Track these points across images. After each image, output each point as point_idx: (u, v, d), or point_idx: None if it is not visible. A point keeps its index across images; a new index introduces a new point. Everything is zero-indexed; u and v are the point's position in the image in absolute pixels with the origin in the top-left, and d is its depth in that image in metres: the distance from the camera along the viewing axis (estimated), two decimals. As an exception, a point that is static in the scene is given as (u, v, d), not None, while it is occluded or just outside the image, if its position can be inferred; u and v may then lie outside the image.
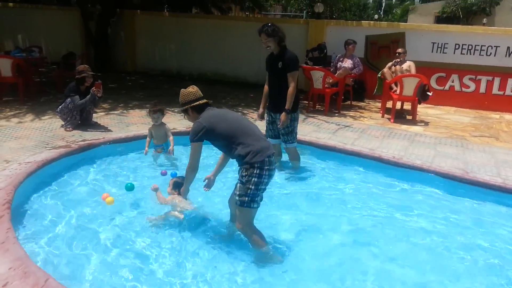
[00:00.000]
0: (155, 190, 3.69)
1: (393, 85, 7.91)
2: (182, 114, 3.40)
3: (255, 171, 2.97)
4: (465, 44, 8.90)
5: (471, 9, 24.39)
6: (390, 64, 8.10)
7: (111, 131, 5.94)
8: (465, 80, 9.03)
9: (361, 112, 8.34)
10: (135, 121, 6.57)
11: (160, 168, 4.78)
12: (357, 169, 5.13)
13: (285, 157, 5.10)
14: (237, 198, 3.08)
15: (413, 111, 7.74)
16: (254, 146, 3.01)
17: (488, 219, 4.02)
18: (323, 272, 3.06)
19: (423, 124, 7.50)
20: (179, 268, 3.02)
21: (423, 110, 8.57)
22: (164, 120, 5.22)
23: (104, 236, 3.37)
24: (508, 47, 8.64)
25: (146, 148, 4.98)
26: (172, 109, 6.75)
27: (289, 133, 4.72)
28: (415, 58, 8.36)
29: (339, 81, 8.13)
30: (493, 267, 3.25)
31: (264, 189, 3.12)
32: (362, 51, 9.53)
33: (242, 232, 3.15)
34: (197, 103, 3.25)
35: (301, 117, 7.34)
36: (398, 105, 8.08)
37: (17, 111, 6.87)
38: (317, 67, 8.38)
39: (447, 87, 9.20)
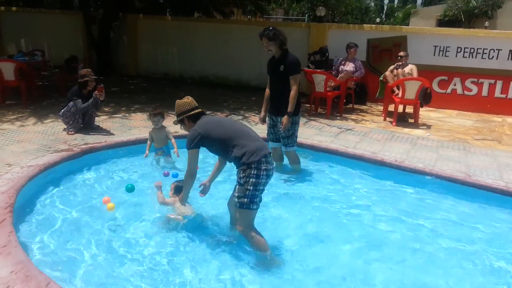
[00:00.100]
0: (158, 187, 3.71)
1: (395, 88, 7.91)
2: (179, 124, 3.49)
3: (252, 172, 3.00)
4: (467, 48, 8.89)
5: (473, 13, 24.37)
6: (392, 67, 8.10)
7: (113, 134, 5.95)
8: (467, 83, 9.02)
9: (363, 116, 8.33)
10: (137, 125, 6.58)
11: (162, 171, 4.79)
12: (359, 173, 5.11)
13: (286, 160, 5.09)
14: (236, 200, 3.10)
15: (415, 114, 7.73)
16: (249, 146, 3.04)
17: (490, 222, 4.00)
18: (324, 277, 3.04)
19: (425, 127, 7.48)
20: (180, 271, 3.01)
21: (425, 113, 8.56)
22: (165, 123, 5.23)
23: (107, 239, 3.37)
24: (510, 50, 8.61)
25: (147, 152, 5.03)
26: (174, 113, 6.75)
27: (290, 136, 4.71)
28: (417, 62, 8.36)
29: (341, 84, 8.13)
30: (495, 270, 3.23)
31: (263, 190, 3.13)
32: (364, 54, 9.53)
33: (243, 234, 3.15)
34: (192, 112, 3.33)
35: (303, 120, 7.36)
36: (400, 108, 8.08)
37: (19, 115, 6.89)
38: (319, 70, 8.39)
39: (449, 90, 9.18)
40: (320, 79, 7.87)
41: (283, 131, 4.66)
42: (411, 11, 31.90)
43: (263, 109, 4.92)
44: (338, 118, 7.93)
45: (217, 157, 3.50)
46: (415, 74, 7.85)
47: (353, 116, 8.16)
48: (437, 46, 9.10)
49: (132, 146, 5.41)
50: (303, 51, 9.55)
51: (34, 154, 4.80)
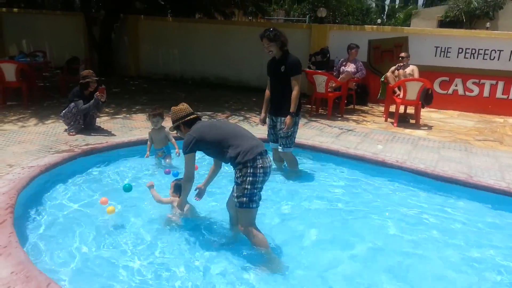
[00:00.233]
0: (151, 187, 3.73)
1: (396, 89, 7.90)
2: (175, 130, 3.53)
3: (248, 170, 3.01)
4: (469, 48, 8.88)
5: (474, 13, 24.32)
6: (393, 68, 8.10)
7: (115, 135, 5.96)
8: (469, 84, 9.00)
9: (364, 116, 8.32)
10: (138, 125, 6.58)
11: (162, 171, 4.79)
12: (360, 174, 5.10)
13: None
14: (235, 200, 3.11)
15: (416, 115, 7.72)
16: (243, 146, 3.06)
17: (492, 223, 3.99)
18: (324, 278, 3.03)
19: (426, 128, 7.47)
20: (180, 271, 3.00)
21: (426, 114, 8.54)
22: (164, 124, 5.23)
23: (108, 240, 3.37)
24: None
25: (147, 153, 5.06)
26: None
27: (288, 136, 4.70)
28: (418, 62, 8.35)
29: (342, 85, 8.12)
30: (497, 271, 3.21)
31: (261, 188, 3.13)
32: (365, 55, 9.52)
33: (244, 233, 3.15)
34: (187, 118, 3.38)
35: (303, 121, 7.36)
36: (401, 109, 8.07)
37: (20, 116, 6.90)
38: (320, 71, 8.39)
39: (450, 91, 9.17)
40: (321, 80, 7.87)
41: (282, 132, 4.65)
42: (412, 12, 31.84)
43: (263, 110, 4.91)
44: (339, 119, 7.92)
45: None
46: (416, 75, 7.84)
47: (354, 117, 8.15)
48: (438, 47, 9.09)
49: (133, 147, 5.41)
50: (304, 52, 9.55)
51: (35, 155, 4.80)
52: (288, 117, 4.54)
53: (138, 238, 3.42)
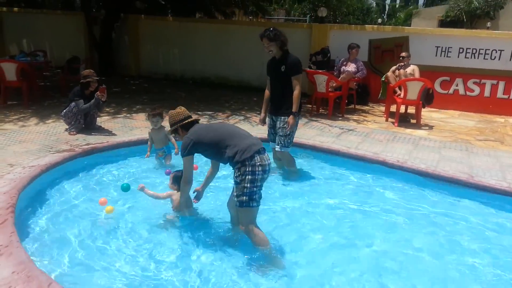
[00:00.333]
0: (142, 189, 3.74)
1: (397, 89, 7.89)
2: (173, 134, 3.56)
3: (247, 169, 3.01)
4: (469, 48, 8.87)
5: (475, 13, 24.27)
6: (394, 68, 8.09)
7: (115, 135, 5.96)
8: (470, 84, 9.00)
9: (364, 116, 8.32)
10: (139, 125, 6.58)
11: (162, 171, 4.79)
12: (360, 173, 5.10)
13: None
14: (235, 199, 3.11)
15: (417, 115, 7.72)
16: (240, 145, 3.07)
17: (493, 224, 3.98)
18: (326, 278, 3.03)
19: (427, 128, 7.47)
20: (180, 271, 3.00)
21: (427, 114, 8.54)
22: (164, 123, 5.22)
23: (108, 239, 3.37)
24: (513, 51, 8.59)
25: (148, 153, 5.07)
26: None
27: (287, 135, 4.69)
28: (419, 62, 8.35)
29: (342, 85, 8.12)
30: (499, 271, 3.21)
31: (261, 186, 3.12)
32: (365, 55, 9.52)
33: (245, 232, 3.15)
34: (185, 121, 3.40)
35: (304, 120, 7.36)
36: (402, 109, 8.07)
37: (21, 115, 6.90)
38: (320, 71, 8.38)
39: (451, 91, 9.17)
40: (321, 80, 7.86)
41: (281, 130, 4.65)
42: (413, 11, 31.81)
43: (262, 110, 4.91)
44: (340, 118, 7.92)
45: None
46: (417, 75, 7.83)
47: (355, 117, 8.15)
48: (439, 46, 9.08)
49: (134, 147, 5.41)
50: (304, 52, 9.54)
51: (36, 155, 4.80)
52: (291, 117, 4.54)
53: (139, 238, 3.42)
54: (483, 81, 8.89)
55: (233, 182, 3.19)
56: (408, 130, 7.16)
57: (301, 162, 5.35)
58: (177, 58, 12.11)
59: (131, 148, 5.40)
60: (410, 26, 25.60)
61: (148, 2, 14.31)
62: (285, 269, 3.05)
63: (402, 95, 7.61)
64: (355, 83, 8.70)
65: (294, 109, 4.52)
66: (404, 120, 7.83)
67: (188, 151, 3.19)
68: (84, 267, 3.00)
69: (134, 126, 6.55)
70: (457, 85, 9.10)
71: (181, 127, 3.40)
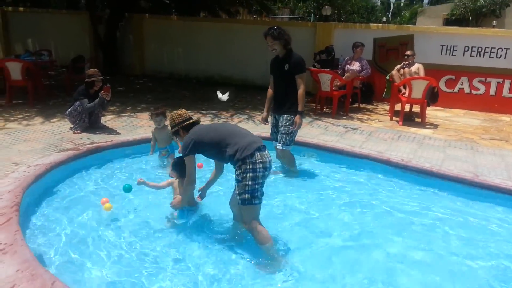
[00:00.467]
0: (141, 183, 3.78)
1: (401, 87, 7.86)
2: (174, 136, 3.63)
3: (248, 166, 3.01)
4: (475, 47, 8.82)
5: (481, 11, 24.14)
6: (398, 66, 8.06)
7: (119, 133, 5.98)
8: (475, 82, 8.94)
9: (369, 115, 8.29)
10: (143, 124, 6.59)
11: (165, 170, 4.80)
12: (365, 172, 5.09)
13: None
14: (238, 197, 3.11)
15: (422, 114, 7.68)
16: (240, 143, 3.08)
17: (498, 223, 3.96)
18: (328, 277, 3.02)
19: (432, 126, 7.43)
20: (182, 269, 3.01)
21: (432, 112, 8.50)
22: (167, 123, 5.22)
23: (112, 238, 3.38)
24: (519, 49, 8.53)
25: (151, 152, 5.12)
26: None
27: (289, 134, 4.67)
28: (424, 61, 8.30)
29: (347, 83, 8.10)
30: (502, 270, 3.20)
31: (262, 184, 3.12)
32: (370, 53, 9.48)
33: (248, 230, 3.16)
34: (186, 123, 3.44)
35: (308, 119, 7.35)
36: (407, 107, 8.03)
37: (26, 114, 6.94)
38: (324, 69, 8.36)
39: (456, 89, 9.11)
40: (326, 79, 7.84)
41: (283, 128, 4.64)
42: (418, 10, 31.69)
43: (265, 109, 4.92)
44: (344, 117, 7.90)
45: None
46: (422, 73, 7.80)
47: (359, 116, 8.12)
48: (444, 45, 9.02)
49: (138, 146, 5.43)
50: (309, 51, 9.53)
51: (41, 153, 4.83)
52: (298, 116, 4.54)
53: (141, 239, 3.41)
54: (488, 79, 8.83)
55: (234, 181, 3.19)
56: (413, 129, 7.13)
57: (304, 161, 5.34)
58: (182, 57, 12.13)
59: (135, 147, 5.41)
60: (415, 24, 25.49)
61: (153, 1, 14.35)
62: (289, 268, 3.05)
63: (407, 94, 7.57)
64: (359, 82, 8.67)
65: (300, 108, 4.51)
66: (408, 119, 7.80)
67: (189, 151, 3.20)
68: (89, 264, 3.01)
69: (138, 125, 6.56)
70: (462, 84, 9.04)
71: (182, 128, 3.43)
